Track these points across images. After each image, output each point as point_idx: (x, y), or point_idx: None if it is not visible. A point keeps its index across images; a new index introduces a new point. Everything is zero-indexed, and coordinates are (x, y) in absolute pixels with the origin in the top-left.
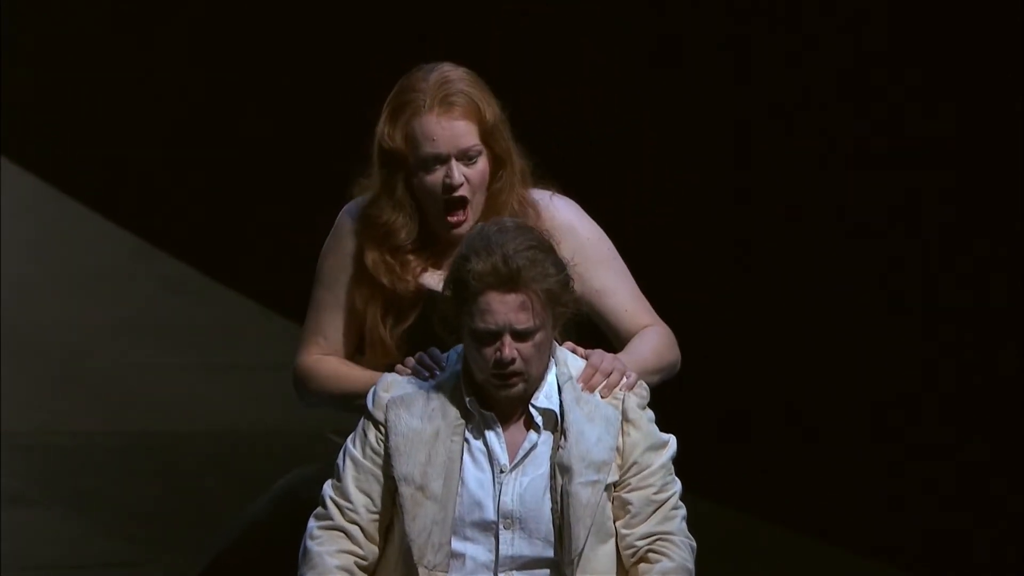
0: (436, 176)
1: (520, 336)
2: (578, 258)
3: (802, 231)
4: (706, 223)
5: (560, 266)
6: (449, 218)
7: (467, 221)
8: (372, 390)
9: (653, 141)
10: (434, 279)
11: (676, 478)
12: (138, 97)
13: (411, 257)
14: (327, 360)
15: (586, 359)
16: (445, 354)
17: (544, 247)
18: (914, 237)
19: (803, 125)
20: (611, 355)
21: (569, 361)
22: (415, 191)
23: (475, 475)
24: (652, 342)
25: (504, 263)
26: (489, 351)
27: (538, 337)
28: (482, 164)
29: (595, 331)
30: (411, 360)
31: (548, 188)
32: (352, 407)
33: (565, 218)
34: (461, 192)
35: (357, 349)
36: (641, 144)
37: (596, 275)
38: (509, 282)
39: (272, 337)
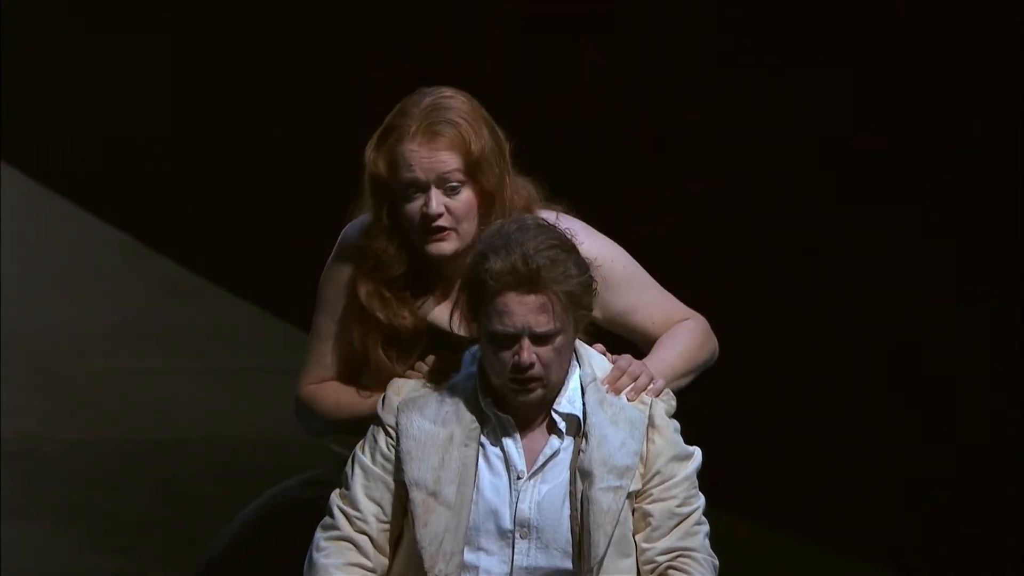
0: (416, 204)
1: (539, 339)
2: (596, 284)
3: (804, 237)
4: (707, 231)
5: (582, 267)
6: (431, 238)
7: (448, 244)
8: (383, 394)
9: (654, 148)
10: (435, 311)
11: (700, 493)
12: (134, 98)
13: (407, 293)
14: (330, 385)
15: (613, 363)
16: (459, 355)
17: (566, 247)
18: (911, 240)
19: (805, 129)
20: (639, 360)
21: (594, 361)
22: (401, 219)
23: (491, 482)
24: (681, 343)
25: (524, 262)
26: (507, 355)
27: (558, 341)
28: (466, 195)
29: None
30: (422, 365)
31: (554, 208)
32: (360, 430)
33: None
34: (441, 223)
35: (360, 374)
36: (642, 152)
37: (617, 298)
38: (528, 282)
39: (271, 341)
